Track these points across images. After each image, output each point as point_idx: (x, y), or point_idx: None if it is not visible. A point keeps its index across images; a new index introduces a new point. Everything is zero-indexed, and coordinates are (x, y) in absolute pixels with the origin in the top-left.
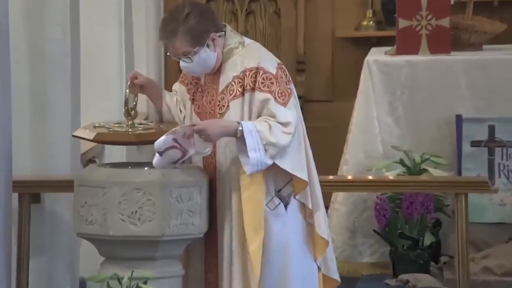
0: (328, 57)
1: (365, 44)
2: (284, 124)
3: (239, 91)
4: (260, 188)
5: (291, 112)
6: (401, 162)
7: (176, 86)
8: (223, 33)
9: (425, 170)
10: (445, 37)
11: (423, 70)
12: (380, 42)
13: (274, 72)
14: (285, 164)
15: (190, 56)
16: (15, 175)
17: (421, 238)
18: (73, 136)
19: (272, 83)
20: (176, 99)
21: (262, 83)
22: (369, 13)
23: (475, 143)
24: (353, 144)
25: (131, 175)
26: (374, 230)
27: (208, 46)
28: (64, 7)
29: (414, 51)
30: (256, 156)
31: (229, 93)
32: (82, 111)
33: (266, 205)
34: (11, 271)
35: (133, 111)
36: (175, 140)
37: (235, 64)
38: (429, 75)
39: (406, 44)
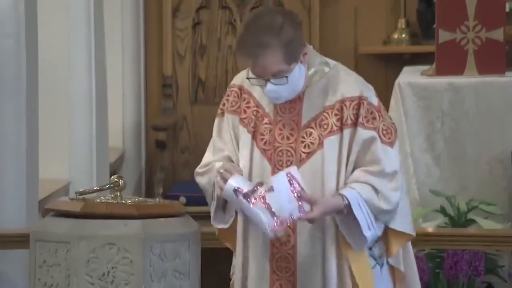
0: None
1: (396, 62)
2: (390, 177)
3: (335, 125)
4: (365, 251)
5: (397, 156)
6: (442, 211)
7: (230, 118)
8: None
9: (473, 221)
10: (498, 53)
11: (470, 95)
12: (415, 59)
13: (376, 103)
14: (395, 223)
15: (286, 75)
16: None
17: None
18: (46, 209)
19: (375, 118)
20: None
21: (365, 117)
22: (401, 23)
23: None
24: None
25: (102, 226)
26: None
27: (301, 62)
28: (17, 15)
29: (459, 71)
30: (371, 233)
31: (322, 127)
32: (41, 146)
33: None
34: None
35: (121, 180)
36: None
37: (325, 90)
38: (477, 102)
39: (449, 62)
